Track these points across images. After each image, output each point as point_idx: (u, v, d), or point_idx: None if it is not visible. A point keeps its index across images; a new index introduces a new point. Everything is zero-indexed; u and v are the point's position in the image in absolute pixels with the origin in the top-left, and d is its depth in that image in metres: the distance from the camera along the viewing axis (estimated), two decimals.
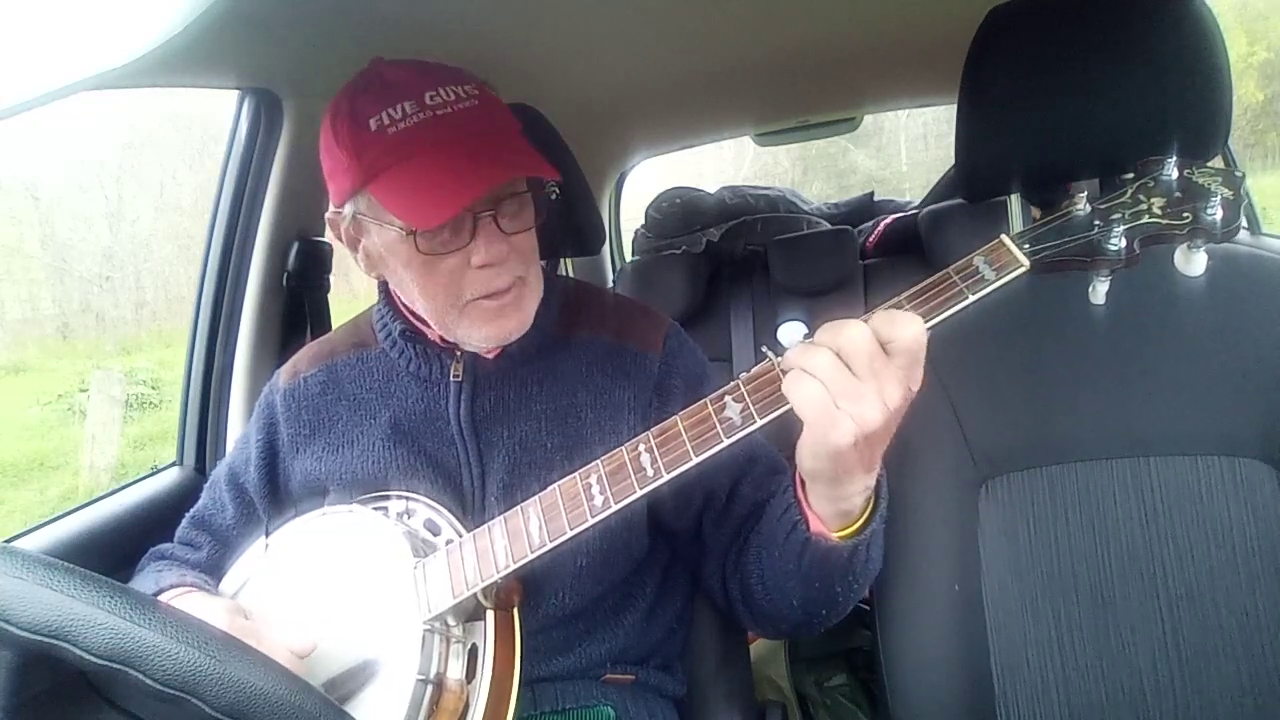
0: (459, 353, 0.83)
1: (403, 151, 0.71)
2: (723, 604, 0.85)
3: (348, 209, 0.77)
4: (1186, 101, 0.78)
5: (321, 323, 1.32)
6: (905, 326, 0.58)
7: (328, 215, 0.81)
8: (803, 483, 0.69)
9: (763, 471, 0.82)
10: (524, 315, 0.79)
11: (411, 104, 0.71)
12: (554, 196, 0.79)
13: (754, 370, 0.63)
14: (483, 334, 0.78)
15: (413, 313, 0.85)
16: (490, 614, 0.70)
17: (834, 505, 0.67)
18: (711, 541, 0.83)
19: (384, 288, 0.87)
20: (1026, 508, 0.86)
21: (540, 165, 0.74)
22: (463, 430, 0.81)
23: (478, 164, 0.71)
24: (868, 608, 0.92)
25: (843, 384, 0.57)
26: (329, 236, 1.34)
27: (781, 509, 0.70)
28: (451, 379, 0.83)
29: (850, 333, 0.58)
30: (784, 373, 0.60)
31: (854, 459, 0.60)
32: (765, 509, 0.76)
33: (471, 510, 0.80)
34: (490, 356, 0.83)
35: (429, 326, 0.84)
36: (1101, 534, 0.84)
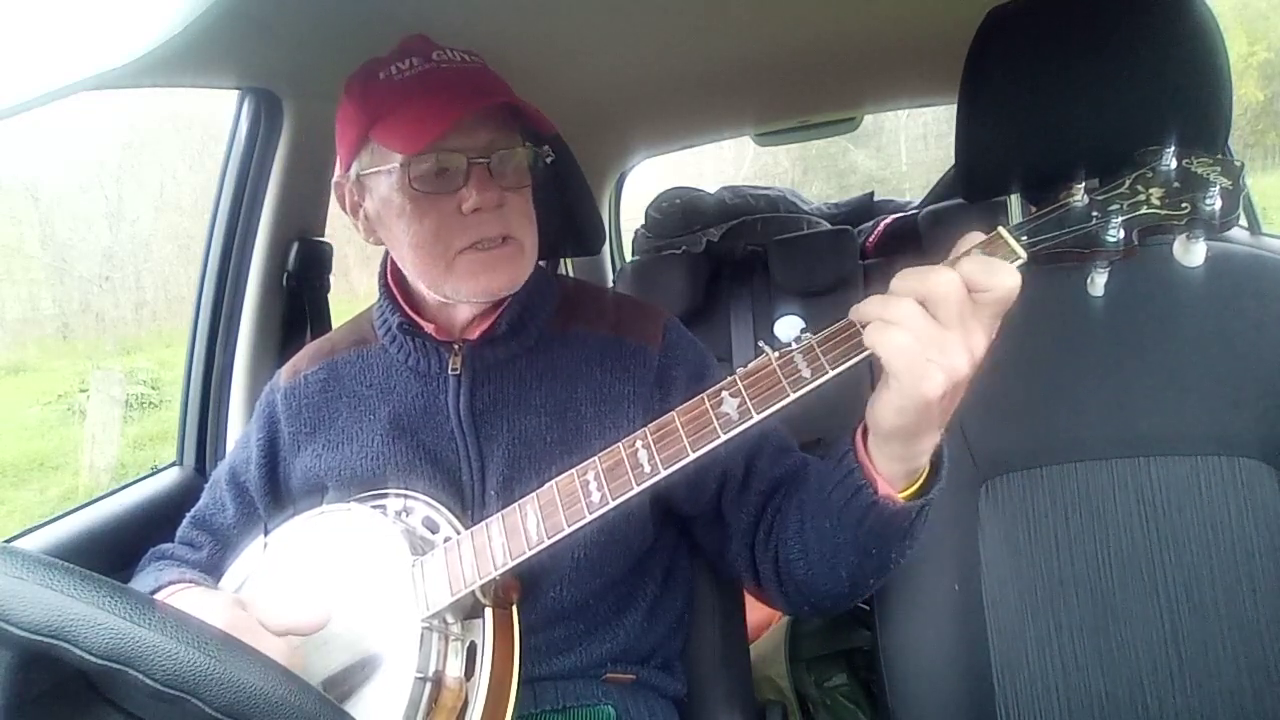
0: (456, 345, 0.83)
1: (404, 94, 0.75)
2: (751, 585, 0.84)
3: (353, 170, 0.80)
4: (1186, 101, 0.78)
5: (321, 322, 1.32)
6: (1003, 276, 0.55)
7: (334, 180, 0.84)
8: (864, 446, 0.67)
9: (776, 448, 0.82)
10: (515, 272, 0.79)
11: (419, 59, 0.77)
12: (549, 160, 0.81)
13: (751, 366, 0.63)
14: (471, 287, 0.78)
15: (411, 305, 0.85)
16: (489, 611, 0.70)
17: (905, 464, 0.65)
18: (734, 522, 0.82)
19: (384, 282, 0.87)
20: (1026, 508, 0.86)
21: (537, 114, 0.77)
22: (462, 424, 0.81)
23: (472, 96, 0.75)
24: (868, 608, 0.92)
25: (931, 333, 0.55)
26: (328, 234, 1.34)
27: (839, 476, 0.67)
28: (450, 373, 0.83)
29: (939, 279, 0.55)
30: (861, 326, 0.58)
31: (937, 412, 0.59)
32: (807, 481, 0.76)
33: (471, 505, 0.80)
34: (475, 337, 0.83)
35: (426, 320, 0.84)
36: (1101, 534, 0.84)
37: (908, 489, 0.67)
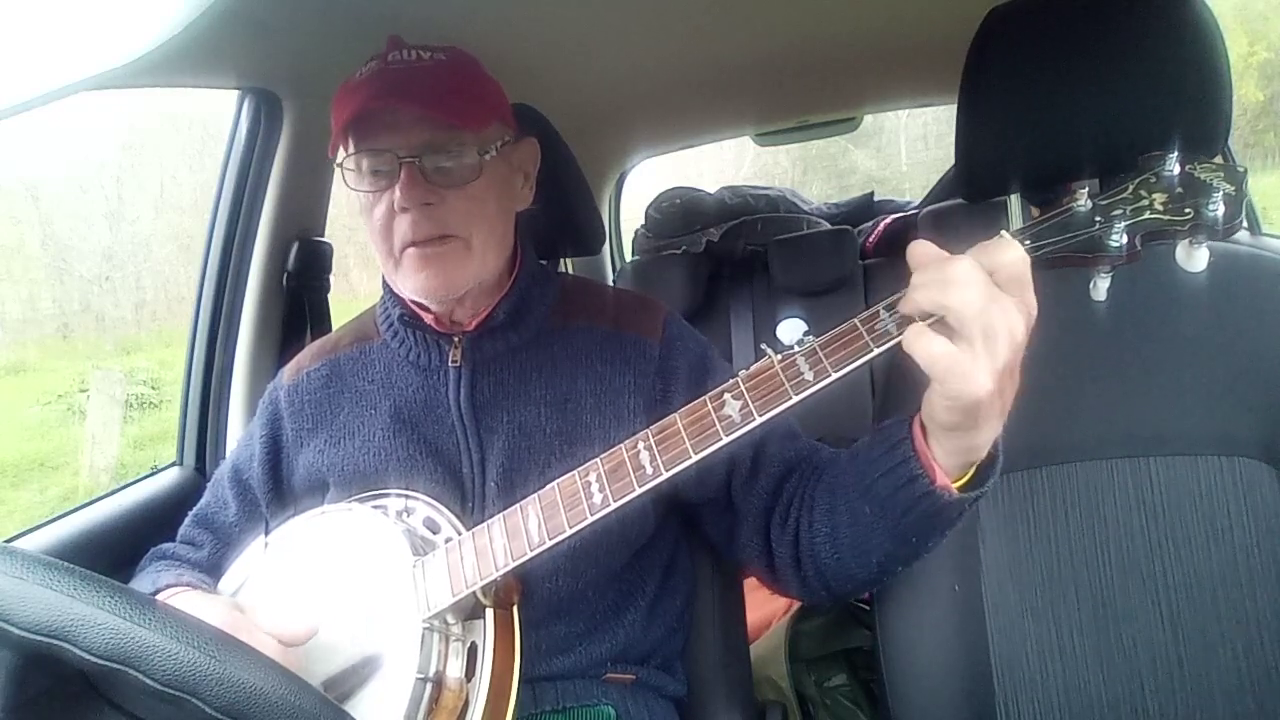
0: (457, 338, 0.83)
1: (348, 99, 0.77)
2: (763, 571, 0.83)
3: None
4: (1186, 102, 0.78)
5: (321, 323, 1.32)
6: (1003, 251, 0.56)
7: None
8: (922, 436, 0.66)
9: (783, 434, 0.82)
10: (451, 273, 0.78)
11: (377, 62, 0.78)
12: (487, 155, 0.79)
13: (754, 368, 0.63)
14: (412, 286, 0.79)
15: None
16: (490, 612, 0.70)
17: (964, 457, 0.64)
18: (745, 507, 0.82)
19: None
20: (1026, 508, 0.86)
21: (471, 116, 0.77)
22: (462, 416, 0.82)
23: (392, 97, 0.76)
24: (867, 608, 0.92)
25: (965, 329, 0.55)
26: (328, 234, 1.34)
27: (890, 463, 0.66)
28: (450, 365, 0.83)
29: (956, 268, 0.55)
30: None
31: (991, 404, 0.58)
32: (837, 464, 0.75)
33: (471, 498, 0.81)
34: (472, 328, 0.83)
35: (427, 310, 0.84)
36: (1101, 534, 0.84)
37: (959, 480, 0.66)
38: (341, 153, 0.79)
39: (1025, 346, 0.58)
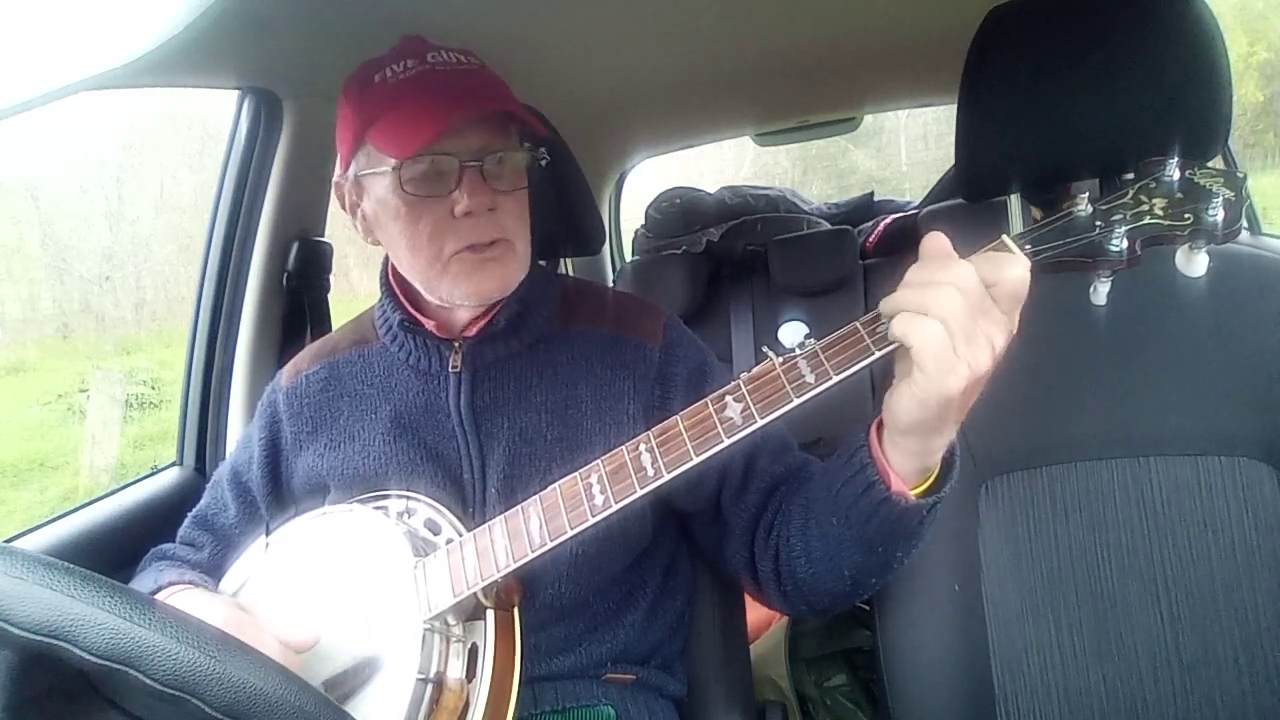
0: (457, 343, 0.83)
1: (398, 97, 0.75)
2: (750, 584, 0.84)
3: (351, 170, 0.81)
4: (1186, 101, 0.78)
5: (321, 323, 1.32)
6: (1011, 268, 0.56)
7: (335, 180, 0.85)
8: (878, 443, 0.66)
9: (776, 447, 0.82)
10: (507, 276, 0.80)
11: (414, 60, 0.77)
12: (544, 163, 0.81)
13: (755, 370, 0.63)
14: (464, 290, 0.79)
15: (412, 303, 0.85)
16: (490, 613, 0.70)
17: (920, 461, 0.64)
18: (733, 520, 0.82)
19: (385, 281, 0.87)
20: (1026, 508, 0.86)
21: (532, 119, 0.78)
22: (463, 421, 0.82)
23: (465, 99, 0.75)
24: (867, 608, 0.92)
25: (963, 325, 0.55)
26: (328, 234, 1.34)
27: (850, 472, 0.67)
28: (450, 370, 0.83)
29: (959, 271, 0.55)
30: (887, 319, 0.58)
31: (957, 407, 0.59)
32: (812, 478, 0.76)
33: (472, 503, 0.81)
34: (474, 333, 0.83)
35: (427, 317, 0.84)
36: (1101, 534, 0.84)
37: (918, 487, 0.66)
38: (394, 159, 0.75)
39: (998, 362, 0.58)
